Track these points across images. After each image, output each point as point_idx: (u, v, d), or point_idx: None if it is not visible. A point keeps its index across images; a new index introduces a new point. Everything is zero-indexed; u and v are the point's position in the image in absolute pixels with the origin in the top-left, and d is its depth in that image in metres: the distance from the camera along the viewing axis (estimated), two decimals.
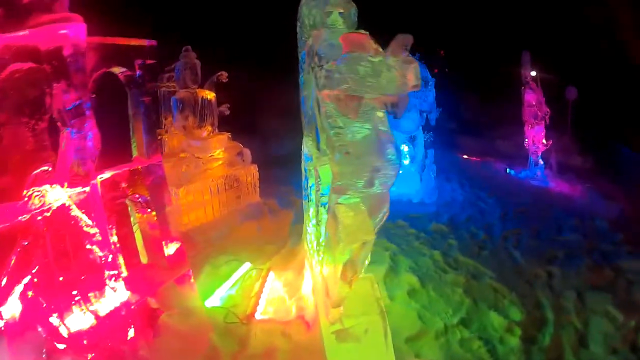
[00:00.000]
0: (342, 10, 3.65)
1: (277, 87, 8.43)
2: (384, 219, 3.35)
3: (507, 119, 8.97)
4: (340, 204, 3.05)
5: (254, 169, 7.14)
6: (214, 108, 6.77)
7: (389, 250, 5.80)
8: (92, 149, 2.91)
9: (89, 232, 2.88)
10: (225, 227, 6.39)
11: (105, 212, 3.21)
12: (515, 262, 5.51)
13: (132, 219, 3.80)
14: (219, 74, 6.91)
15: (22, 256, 2.60)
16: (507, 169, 9.13)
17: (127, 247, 3.41)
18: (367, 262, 3.46)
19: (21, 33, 2.50)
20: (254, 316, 4.46)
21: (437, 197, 7.63)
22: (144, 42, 3.40)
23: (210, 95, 6.74)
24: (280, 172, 8.36)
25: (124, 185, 3.35)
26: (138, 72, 3.44)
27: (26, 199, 2.60)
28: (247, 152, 7.19)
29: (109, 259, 3.04)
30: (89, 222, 2.91)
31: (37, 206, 2.64)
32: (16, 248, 2.57)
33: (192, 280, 3.98)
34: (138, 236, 3.77)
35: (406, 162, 7.83)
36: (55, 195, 2.74)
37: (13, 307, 2.58)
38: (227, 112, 7.03)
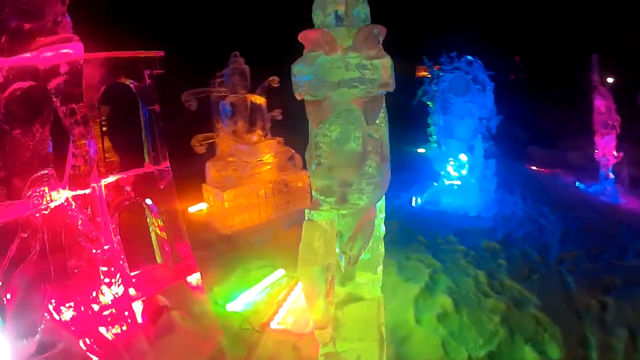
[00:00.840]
0: (340, 9, 3.49)
1: None
2: (368, 240, 3.13)
3: (580, 128, 8.01)
4: (309, 220, 2.91)
5: (305, 175, 7.18)
6: (264, 113, 6.98)
7: (430, 267, 5.49)
8: (91, 155, 3.18)
9: (83, 231, 3.15)
10: (269, 232, 6.53)
11: (108, 214, 3.51)
12: (567, 289, 4.89)
13: (148, 220, 4.08)
14: (270, 79, 7.09)
15: (21, 246, 2.93)
16: (576, 183, 8.19)
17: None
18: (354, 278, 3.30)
19: (24, 55, 2.83)
20: (269, 325, 4.50)
21: (495, 212, 7.04)
22: (153, 54, 3.64)
23: (260, 100, 6.96)
24: None
25: (128, 189, 3.60)
26: (148, 82, 3.69)
27: (26, 198, 2.92)
28: (299, 158, 7.27)
29: (105, 257, 3.28)
30: (86, 221, 3.18)
31: (36, 205, 2.95)
32: (16, 239, 2.90)
33: (200, 282, 4.13)
34: (153, 237, 4.04)
35: (464, 172, 7.32)
36: (55, 196, 3.04)
37: (13, 290, 2.89)
38: (279, 117, 7.18)
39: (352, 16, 3.47)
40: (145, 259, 4.38)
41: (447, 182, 7.60)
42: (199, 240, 6.46)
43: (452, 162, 7.43)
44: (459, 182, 7.41)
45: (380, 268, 3.74)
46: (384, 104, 3.28)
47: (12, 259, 2.89)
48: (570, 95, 8.85)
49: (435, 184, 7.84)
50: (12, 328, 2.88)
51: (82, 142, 3.14)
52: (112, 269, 3.37)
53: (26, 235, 2.94)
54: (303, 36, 2.73)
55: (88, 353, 3.20)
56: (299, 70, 2.61)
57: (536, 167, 9.25)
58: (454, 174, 7.46)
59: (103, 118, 6.64)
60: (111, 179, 3.50)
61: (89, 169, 3.21)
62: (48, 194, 3.02)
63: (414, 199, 7.87)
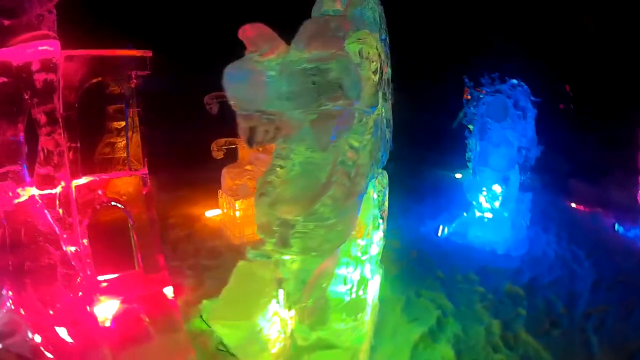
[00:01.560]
0: (337, 7, 3.14)
1: None
2: (323, 292, 2.70)
3: (626, 165, 7.12)
4: (245, 261, 2.57)
5: None
6: None
7: (440, 308, 4.97)
8: (58, 156, 3.13)
9: (44, 230, 3.11)
10: None
11: (77, 215, 3.46)
12: (589, 351, 4.25)
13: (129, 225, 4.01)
14: None
15: None
16: (616, 225, 7.25)
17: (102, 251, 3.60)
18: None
19: (2, 50, 2.83)
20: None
21: (525, 251, 6.37)
22: (140, 53, 3.56)
23: None
24: None
25: (99, 192, 3.54)
26: (134, 83, 3.62)
27: None
28: None
29: (65, 258, 3.22)
30: (48, 221, 3.13)
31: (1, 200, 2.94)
32: None
33: (172, 296, 3.98)
34: (132, 243, 3.96)
35: (497, 204, 6.72)
36: (20, 192, 3.01)
37: None
38: None
39: (353, 17, 3.08)
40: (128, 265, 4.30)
41: (477, 214, 7.02)
42: (207, 247, 6.38)
43: (484, 192, 6.86)
44: (490, 215, 6.81)
45: (361, 315, 3.27)
46: (376, 122, 2.92)
47: None
48: (619, 130, 7.99)
49: (465, 214, 7.28)
50: None
51: (51, 140, 3.10)
52: (72, 271, 3.29)
53: None
54: (242, 33, 2.15)
55: (42, 348, 3.14)
56: (227, 78, 2.06)
57: (576, 204, 8.40)
58: (485, 205, 6.87)
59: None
60: (83, 180, 3.46)
61: (56, 168, 3.17)
62: (12, 190, 3.00)
63: (441, 228, 7.35)
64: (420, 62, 9.78)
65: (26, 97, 2.96)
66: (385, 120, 3.40)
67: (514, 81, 6.75)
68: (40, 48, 2.95)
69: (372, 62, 2.64)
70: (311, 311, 2.60)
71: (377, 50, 2.80)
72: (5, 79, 2.87)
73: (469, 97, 7.30)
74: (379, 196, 3.82)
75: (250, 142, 2.10)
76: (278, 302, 2.43)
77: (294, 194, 2.30)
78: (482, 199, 6.96)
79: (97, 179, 3.57)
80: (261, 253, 2.35)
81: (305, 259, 2.44)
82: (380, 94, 2.96)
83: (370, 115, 2.68)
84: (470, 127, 7.40)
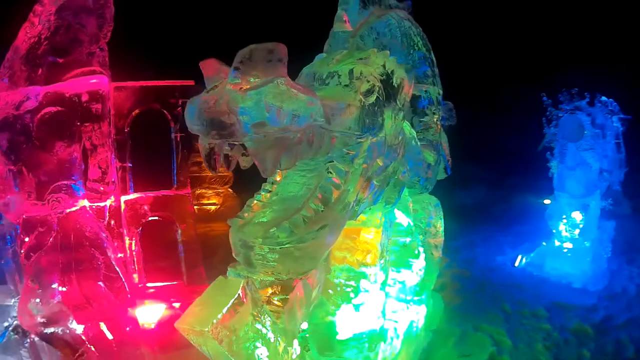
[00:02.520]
0: (346, 29, 3.12)
1: None
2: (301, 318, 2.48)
3: None
4: (223, 277, 2.42)
5: None
6: None
7: (497, 345, 4.60)
8: (105, 174, 3.66)
9: (90, 237, 3.63)
10: None
11: (126, 226, 3.96)
12: None
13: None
14: None
15: (37, 238, 3.58)
16: None
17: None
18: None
19: (56, 84, 3.47)
20: None
21: (604, 286, 5.59)
22: (185, 83, 4.03)
23: None
24: None
25: (145, 207, 4.00)
26: (179, 110, 4.09)
27: (46, 201, 3.52)
28: None
29: (108, 263, 3.69)
30: (96, 229, 3.65)
31: (54, 208, 3.56)
32: (35, 232, 3.58)
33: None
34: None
35: (577, 232, 6.02)
36: (72, 203, 3.58)
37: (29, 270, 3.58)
38: None
39: (362, 36, 3.07)
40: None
41: (557, 243, 6.36)
42: None
43: (564, 220, 6.21)
44: (570, 245, 6.13)
45: (377, 345, 3.02)
46: (390, 144, 2.68)
47: (29, 247, 3.58)
48: None
49: (544, 243, 6.64)
50: (24, 301, 3.54)
51: (99, 160, 3.65)
52: (115, 275, 3.75)
53: (42, 231, 3.58)
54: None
55: (83, 337, 3.60)
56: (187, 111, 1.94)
57: None
58: (565, 234, 6.20)
59: None
60: (132, 196, 3.97)
61: (104, 184, 3.70)
62: (65, 201, 3.58)
63: (519, 258, 6.82)
64: (500, 80, 9.24)
65: (77, 123, 3.55)
66: (415, 142, 3.28)
67: (604, 98, 6.12)
68: (90, 82, 3.54)
69: (366, 81, 2.44)
70: (292, 335, 2.58)
71: (386, 69, 2.63)
72: (59, 108, 3.47)
73: (548, 116, 6.80)
74: (421, 223, 3.71)
75: (210, 166, 2.10)
76: (259, 322, 2.45)
77: (268, 219, 2.27)
78: (562, 227, 6.32)
79: (144, 195, 4.08)
80: (238, 272, 2.44)
81: (279, 282, 2.43)
82: (392, 114, 2.68)
83: (363, 139, 2.45)
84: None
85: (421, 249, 3.57)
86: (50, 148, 3.53)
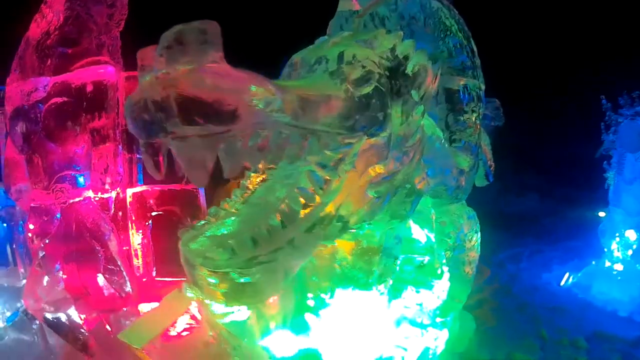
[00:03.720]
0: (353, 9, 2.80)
1: None
2: None
3: None
4: (179, 291, 2.28)
5: None
6: None
7: None
8: (109, 165, 3.64)
9: (90, 228, 3.63)
10: None
11: (132, 220, 3.93)
12: None
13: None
14: None
15: (41, 226, 3.67)
16: None
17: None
18: None
19: (63, 75, 3.48)
20: None
21: None
22: None
23: None
24: None
25: (151, 201, 3.94)
26: None
27: (51, 191, 3.56)
28: None
29: (109, 256, 3.68)
30: (98, 221, 3.64)
31: (57, 197, 3.59)
32: (39, 220, 3.67)
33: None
34: None
35: (630, 253, 5.37)
36: (75, 194, 3.60)
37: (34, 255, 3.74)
38: None
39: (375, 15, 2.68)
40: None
41: (607, 264, 5.71)
42: None
43: (617, 239, 5.55)
44: (620, 267, 5.47)
45: None
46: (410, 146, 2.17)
47: (35, 234, 3.68)
48: None
49: (593, 262, 6.01)
50: (29, 285, 3.68)
51: (103, 151, 3.62)
52: (117, 268, 3.74)
53: (46, 219, 3.64)
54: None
55: (82, 325, 3.65)
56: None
57: None
58: (617, 254, 5.55)
59: None
60: (138, 189, 3.92)
61: (109, 176, 3.68)
62: (68, 191, 3.59)
63: (566, 276, 6.25)
64: (555, 79, 8.46)
65: (83, 114, 3.53)
66: (442, 144, 2.93)
67: None
68: (97, 72, 3.52)
69: (359, 67, 1.96)
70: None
71: (396, 53, 2.14)
72: (65, 99, 3.47)
73: (607, 121, 6.15)
74: (449, 238, 3.32)
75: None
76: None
77: (224, 232, 1.88)
78: (614, 246, 5.68)
79: (150, 189, 4.02)
80: (191, 289, 2.19)
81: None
82: (403, 110, 2.16)
83: (354, 140, 1.97)
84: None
85: (445, 268, 3.12)
86: (56, 138, 3.54)
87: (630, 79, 6.05)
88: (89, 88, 3.50)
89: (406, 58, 2.10)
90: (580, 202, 8.39)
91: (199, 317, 2.09)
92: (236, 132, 1.54)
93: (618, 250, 5.62)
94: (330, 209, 1.97)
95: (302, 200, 1.88)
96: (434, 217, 2.88)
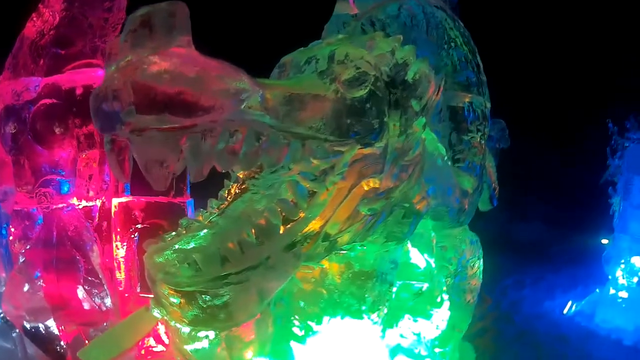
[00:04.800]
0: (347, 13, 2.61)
1: None
2: None
3: None
4: (147, 309, 2.12)
5: None
6: None
7: None
8: (99, 172, 3.53)
9: (72, 237, 3.49)
10: None
11: (116, 232, 3.78)
12: None
13: None
14: None
15: (22, 231, 3.57)
16: None
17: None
18: None
19: (56, 76, 3.39)
20: None
21: None
22: None
23: None
24: None
25: (136, 213, 3.79)
26: None
27: (33, 195, 3.47)
28: None
29: (90, 267, 3.53)
30: (80, 230, 3.50)
31: (40, 202, 3.47)
32: (21, 224, 3.57)
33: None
34: None
35: (635, 280, 5.21)
36: (58, 200, 3.48)
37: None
38: None
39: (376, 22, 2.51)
40: None
41: (612, 291, 5.54)
42: None
43: (622, 266, 5.39)
44: (625, 295, 5.30)
45: None
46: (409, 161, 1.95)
47: (16, 238, 3.58)
48: None
49: (597, 290, 5.84)
50: (8, 291, 3.56)
51: (89, 158, 3.51)
52: (97, 280, 3.58)
53: (28, 224, 3.53)
54: None
55: (59, 337, 3.51)
56: None
57: None
58: (622, 281, 5.39)
59: None
60: (124, 199, 3.78)
61: (93, 183, 3.56)
62: (51, 197, 3.47)
63: (569, 304, 6.08)
64: (560, 101, 8.36)
65: (71, 117, 3.43)
66: (443, 161, 2.76)
67: None
68: (88, 75, 3.43)
69: (352, 67, 1.75)
70: None
71: (395, 58, 1.94)
72: (55, 100, 3.37)
73: (613, 145, 6.06)
74: (450, 264, 3.13)
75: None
76: None
77: (194, 245, 1.62)
78: (619, 274, 5.52)
79: (135, 200, 3.86)
80: (157, 309, 1.95)
81: None
82: (402, 120, 1.94)
83: (344, 148, 1.75)
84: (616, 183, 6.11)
85: (445, 297, 2.92)
86: (43, 140, 3.42)
87: (637, 102, 5.97)
88: (79, 91, 3.40)
89: (406, 64, 1.91)
90: (583, 228, 8.20)
91: (166, 340, 1.89)
92: (203, 129, 1.34)
93: (623, 278, 5.46)
94: (314, 225, 1.72)
95: (282, 213, 1.65)
96: (434, 241, 2.67)
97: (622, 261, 5.49)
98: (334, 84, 1.71)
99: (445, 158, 2.51)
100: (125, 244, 3.90)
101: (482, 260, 3.18)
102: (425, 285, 2.58)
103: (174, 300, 1.54)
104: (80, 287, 3.50)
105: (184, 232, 1.72)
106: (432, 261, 2.61)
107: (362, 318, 2.07)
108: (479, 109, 2.86)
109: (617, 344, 5.13)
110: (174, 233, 1.74)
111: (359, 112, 1.74)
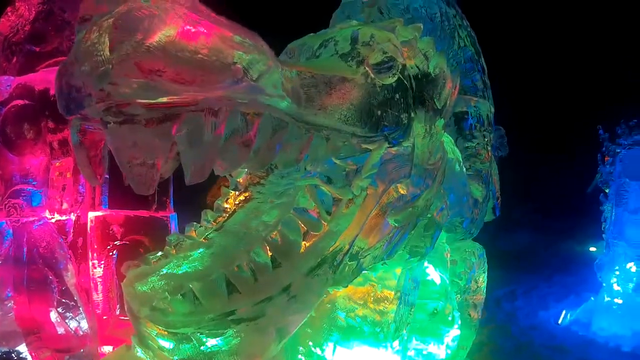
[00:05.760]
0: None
1: None
2: None
3: None
4: (127, 346, 1.85)
5: None
6: None
7: None
8: (73, 183, 3.22)
9: (43, 254, 3.18)
10: None
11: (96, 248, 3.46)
12: None
13: None
14: None
15: None
16: None
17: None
18: None
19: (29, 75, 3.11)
20: None
21: None
22: None
23: None
24: None
25: (114, 228, 3.47)
26: None
27: (2, 207, 3.18)
28: None
29: (64, 288, 3.21)
30: (52, 246, 3.18)
31: (9, 215, 3.18)
32: None
33: None
34: None
35: (630, 286, 5.16)
36: (29, 212, 3.16)
37: None
38: None
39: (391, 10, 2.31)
40: None
41: (607, 299, 5.48)
42: None
43: (617, 272, 5.35)
44: (620, 301, 5.26)
45: None
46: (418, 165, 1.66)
47: None
48: None
49: (592, 298, 5.78)
50: None
51: (62, 167, 3.20)
52: (72, 302, 3.26)
53: None
54: None
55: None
56: None
57: None
58: (617, 288, 5.33)
59: None
60: (100, 213, 3.46)
61: (67, 195, 3.24)
62: (22, 209, 3.14)
63: (563, 313, 6.01)
64: (550, 109, 8.40)
65: (45, 121, 3.13)
66: (461, 167, 2.51)
67: None
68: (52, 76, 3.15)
69: (379, 51, 1.48)
70: None
71: (419, 48, 1.73)
72: (27, 101, 3.08)
73: (604, 152, 6.04)
74: (460, 280, 2.90)
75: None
76: None
77: (186, 270, 1.32)
78: (613, 280, 5.48)
79: (114, 214, 3.52)
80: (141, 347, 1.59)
81: None
82: (426, 119, 1.71)
83: (373, 145, 1.49)
84: (607, 190, 6.07)
85: (457, 314, 2.71)
86: (12, 145, 3.13)
87: (626, 107, 5.97)
88: (53, 92, 3.11)
89: (426, 57, 1.69)
90: (573, 236, 8.21)
91: None
92: (204, 108, 1.00)
93: (618, 284, 5.41)
94: (342, 241, 1.41)
95: (302, 227, 1.34)
96: (448, 255, 2.47)
97: (617, 268, 5.44)
98: (361, 66, 1.44)
99: (462, 163, 2.32)
100: (102, 262, 3.53)
101: (486, 273, 3.00)
102: (440, 304, 2.35)
103: (164, 343, 1.21)
104: (54, 310, 3.19)
105: (173, 251, 1.41)
106: (445, 277, 2.38)
107: (383, 346, 1.78)
108: (484, 114, 2.67)
109: (617, 350, 5.06)
110: (159, 253, 1.44)
111: (389, 103, 1.49)
